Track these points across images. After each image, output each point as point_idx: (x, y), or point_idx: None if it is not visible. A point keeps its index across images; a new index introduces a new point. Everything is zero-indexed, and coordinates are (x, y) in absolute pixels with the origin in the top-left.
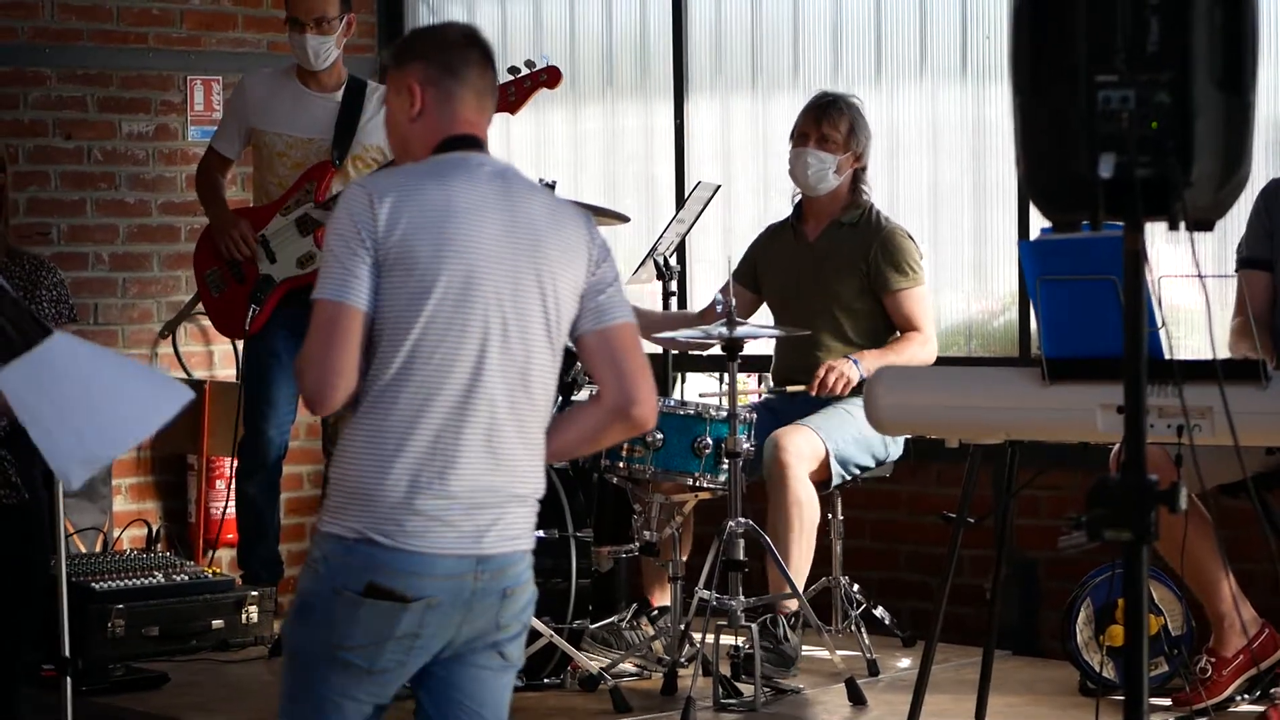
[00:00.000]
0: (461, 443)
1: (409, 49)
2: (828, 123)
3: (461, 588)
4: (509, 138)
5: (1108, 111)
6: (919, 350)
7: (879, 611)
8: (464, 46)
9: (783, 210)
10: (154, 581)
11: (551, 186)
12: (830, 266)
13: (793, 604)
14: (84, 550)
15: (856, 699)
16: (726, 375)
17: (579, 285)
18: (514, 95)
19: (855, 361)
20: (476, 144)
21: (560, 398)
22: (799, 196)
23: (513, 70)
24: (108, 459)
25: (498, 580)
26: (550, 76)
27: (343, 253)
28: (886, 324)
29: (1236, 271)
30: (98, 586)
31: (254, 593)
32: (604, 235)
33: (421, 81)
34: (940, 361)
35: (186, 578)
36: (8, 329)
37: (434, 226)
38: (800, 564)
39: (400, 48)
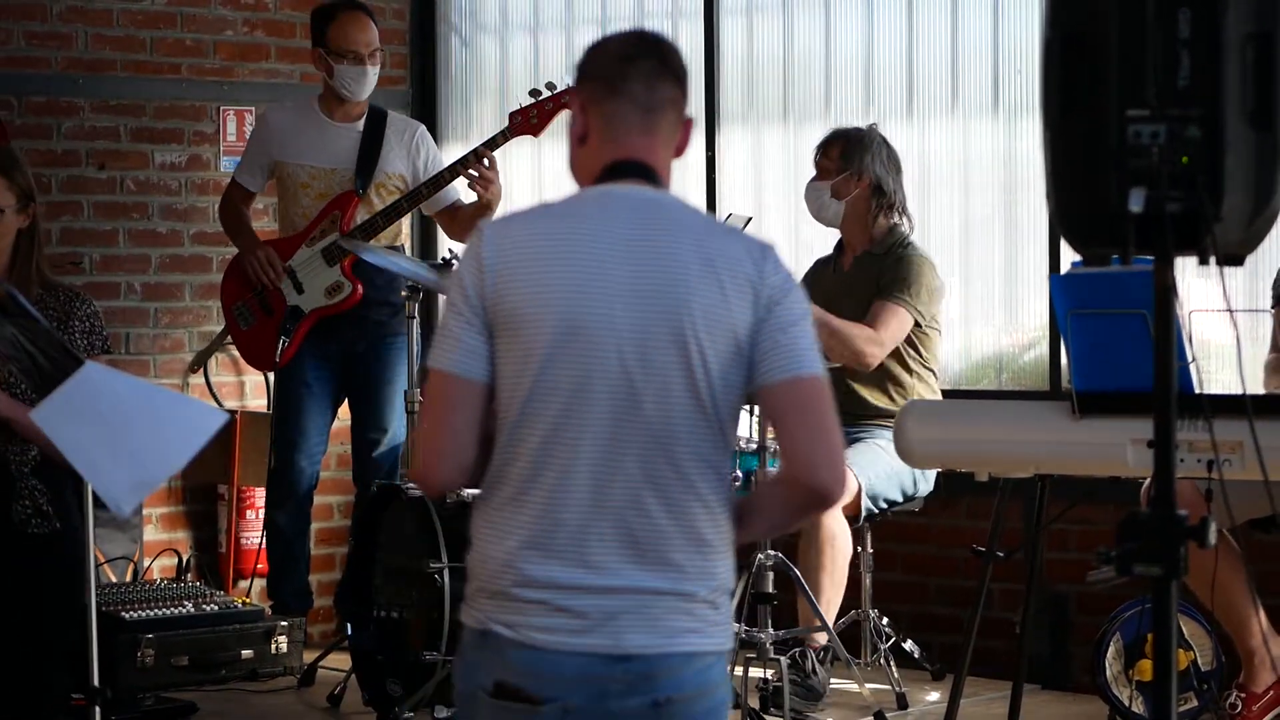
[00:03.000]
0: (590, 526)
1: (579, 66)
2: (822, 154)
3: (600, 691)
4: (539, 167)
5: (1138, 146)
6: (862, 343)
7: (908, 645)
8: (628, 59)
9: (813, 243)
10: (184, 611)
11: (746, 223)
12: (856, 295)
13: (822, 637)
14: (114, 580)
15: None
16: (756, 406)
17: (741, 333)
18: (535, 118)
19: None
20: (641, 171)
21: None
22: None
23: (534, 93)
24: (156, 483)
25: (647, 686)
26: (571, 96)
27: (450, 313)
28: (912, 350)
29: (1272, 309)
30: (127, 616)
31: (284, 623)
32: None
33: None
34: (970, 394)
35: (216, 608)
36: (39, 360)
37: (542, 277)
38: (831, 598)
39: (577, 65)
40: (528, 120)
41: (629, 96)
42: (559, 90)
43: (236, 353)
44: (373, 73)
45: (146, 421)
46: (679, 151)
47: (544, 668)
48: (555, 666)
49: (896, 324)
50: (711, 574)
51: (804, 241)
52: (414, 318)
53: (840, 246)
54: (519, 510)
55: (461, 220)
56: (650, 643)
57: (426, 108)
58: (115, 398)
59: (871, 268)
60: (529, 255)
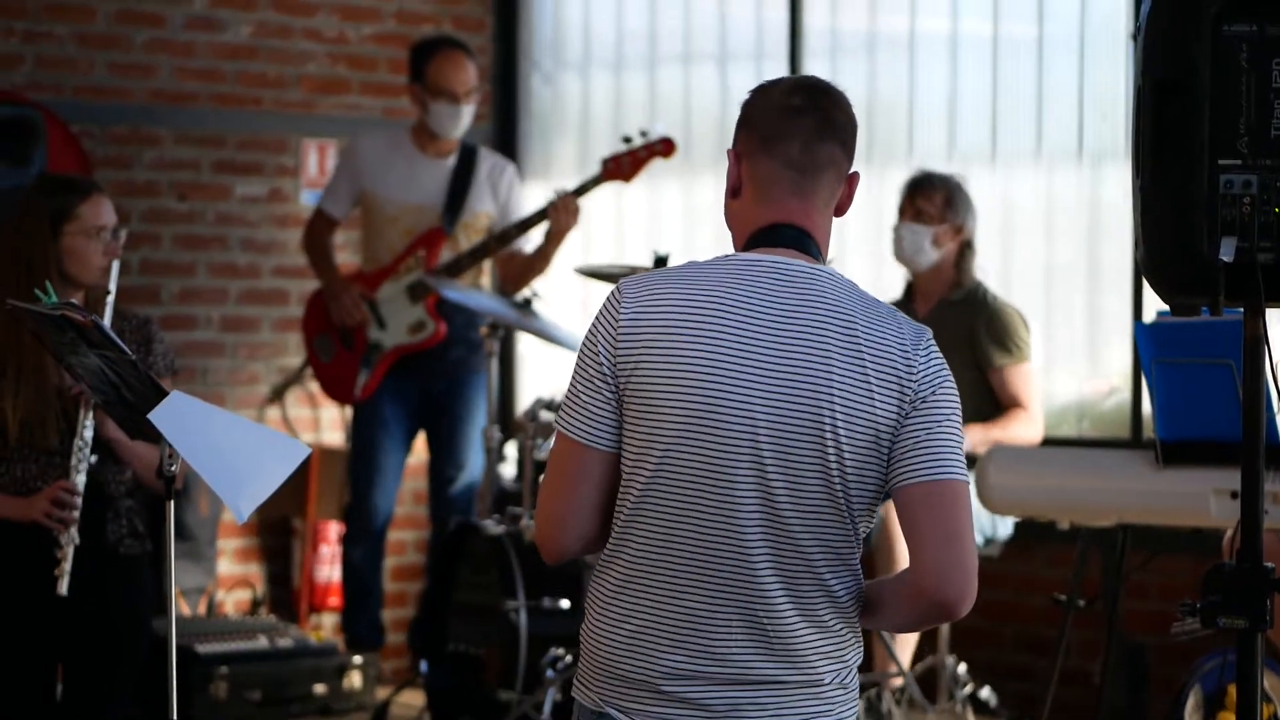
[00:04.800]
0: (716, 615)
1: (742, 109)
2: (922, 196)
3: None
4: (620, 210)
5: (1230, 196)
6: (1023, 428)
7: (984, 692)
8: (789, 113)
9: (895, 284)
10: (258, 645)
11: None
12: (939, 342)
13: (898, 681)
14: (188, 612)
15: None
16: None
17: (883, 427)
18: (627, 165)
19: None
20: (796, 238)
21: None
22: (909, 277)
23: (626, 140)
24: (270, 488)
25: None
26: (664, 147)
27: (579, 376)
28: (992, 400)
29: None
30: (201, 649)
31: (357, 659)
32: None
33: (739, 152)
34: (1051, 441)
35: (290, 642)
36: (124, 392)
37: (677, 351)
38: (907, 642)
39: (742, 106)
40: (620, 167)
41: (784, 157)
42: (652, 139)
43: (313, 387)
44: (468, 112)
45: (236, 447)
46: (840, 211)
47: None
48: None
49: (1028, 385)
50: (841, 659)
51: (886, 283)
52: (494, 355)
53: (910, 292)
54: (641, 593)
55: (517, 264)
56: None
57: (508, 144)
58: (207, 422)
59: (952, 316)
60: (665, 325)
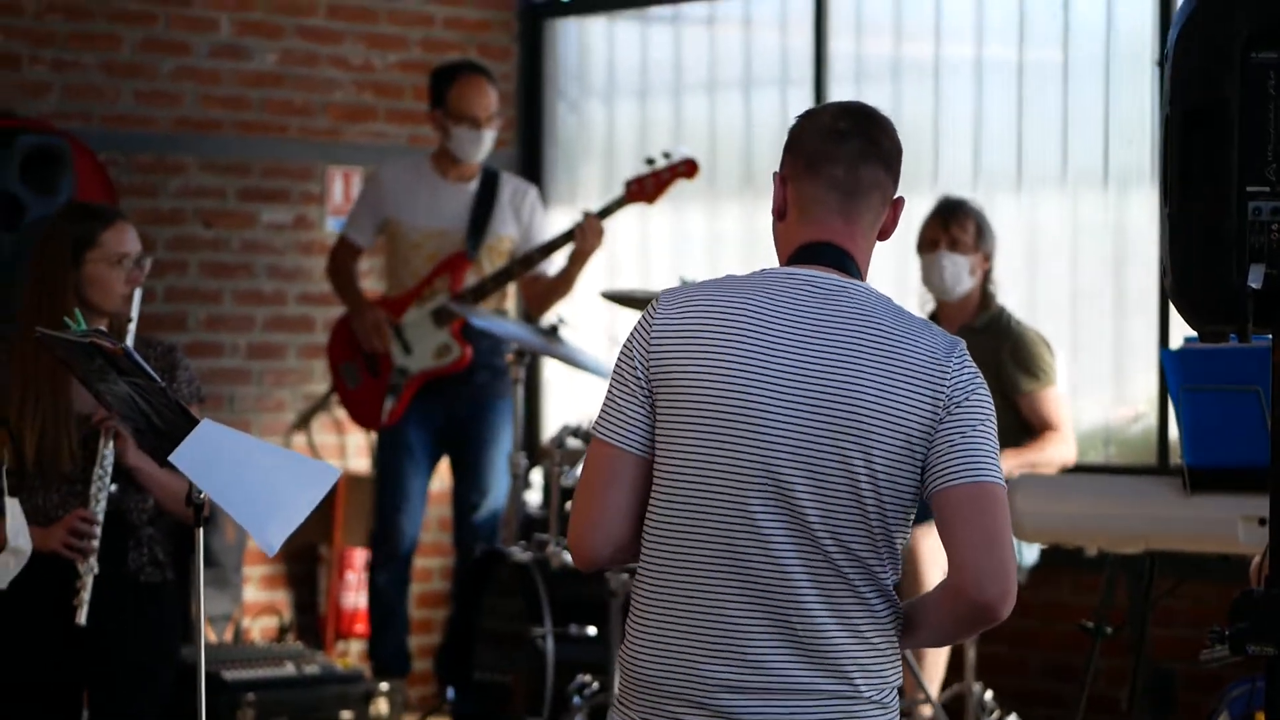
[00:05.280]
0: (749, 619)
1: (789, 134)
2: (956, 225)
3: None
4: (646, 236)
5: (1258, 223)
6: (1056, 450)
7: (1011, 719)
8: (835, 136)
9: (914, 310)
10: (284, 672)
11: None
12: None
13: (927, 710)
14: (214, 639)
15: None
16: None
17: (915, 433)
18: (651, 187)
19: None
20: (835, 256)
21: None
22: (930, 305)
23: (649, 161)
24: (300, 517)
25: None
26: (687, 168)
27: (615, 381)
28: (1019, 424)
29: None
30: (228, 676)
31: (384, 686)
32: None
33: (786, 176)
34: (1077, 468)
35: (317, 669)
36: (154, 420)
37: (706, 355)
38: (934, 670)
39: (789, 132)
40: (643, 189)
41: (830, 179)
42: (675, 160)
43: (339, 414)
44: (489, 137)
45: (266, 475)
46: (884, 235)
47: None
48: None
49: (1058, 407)
50: (881, 675)
51: (908, 309)
52: (520, 381)
53: (934, 319)
54: (675, 603)
55: (540, 287)
56: None
57: (532, 170)
58: (237, 450)
59: (976, 342)
60: (696, 331)
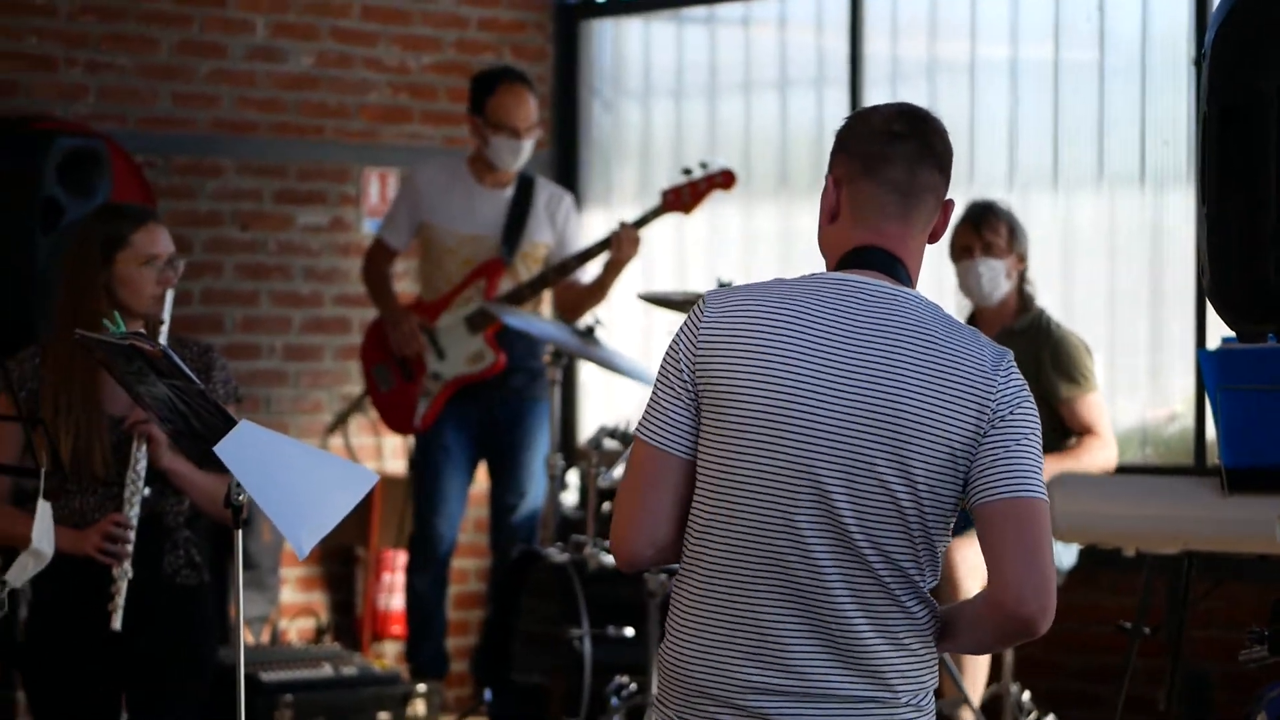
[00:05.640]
0: (787, 625)
1: (838, 136)
2: (989, 230)
3: None
4: (682, 238)
5: None
6: (1098, 455)
7: None
8: (890, 138)
9: (951, 309)
10: (322, 673)
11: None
12: None
13: (967, 714)
14: (251, 640)
15: None
16: None
17: (958, 444)
18: (688, 197)
19: None
20: (885, 262)
21: None
22: (968, 309)
23: (686, 171)
24: (327, 528)
25: None
26: (725, 179)
27: (660, 382)
28: (1059, 430)
29: None
30: (265, 678)
31: (421, 687)
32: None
33: (839, 178)
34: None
35: (354, 670)
36: (192, 421)
37: (751, 359)
38: (975, 674)
39: (837, 134)
40: (680, 199)
41: (886, 180)
42: (713, 171)
43: (375, 415)
44: (527, 146)
45: (304, 476)
46: (934, 237)
47: None
48: None
49: (1099, 412)
50: (919, 680)
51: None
52: (556, 383)
53: (972, 323)
54: (716, 605)
55: (574, 294)
56: None
57: (568, 172)
58: (275, 451)
59: (1016, 346)
60: (742, 335)
